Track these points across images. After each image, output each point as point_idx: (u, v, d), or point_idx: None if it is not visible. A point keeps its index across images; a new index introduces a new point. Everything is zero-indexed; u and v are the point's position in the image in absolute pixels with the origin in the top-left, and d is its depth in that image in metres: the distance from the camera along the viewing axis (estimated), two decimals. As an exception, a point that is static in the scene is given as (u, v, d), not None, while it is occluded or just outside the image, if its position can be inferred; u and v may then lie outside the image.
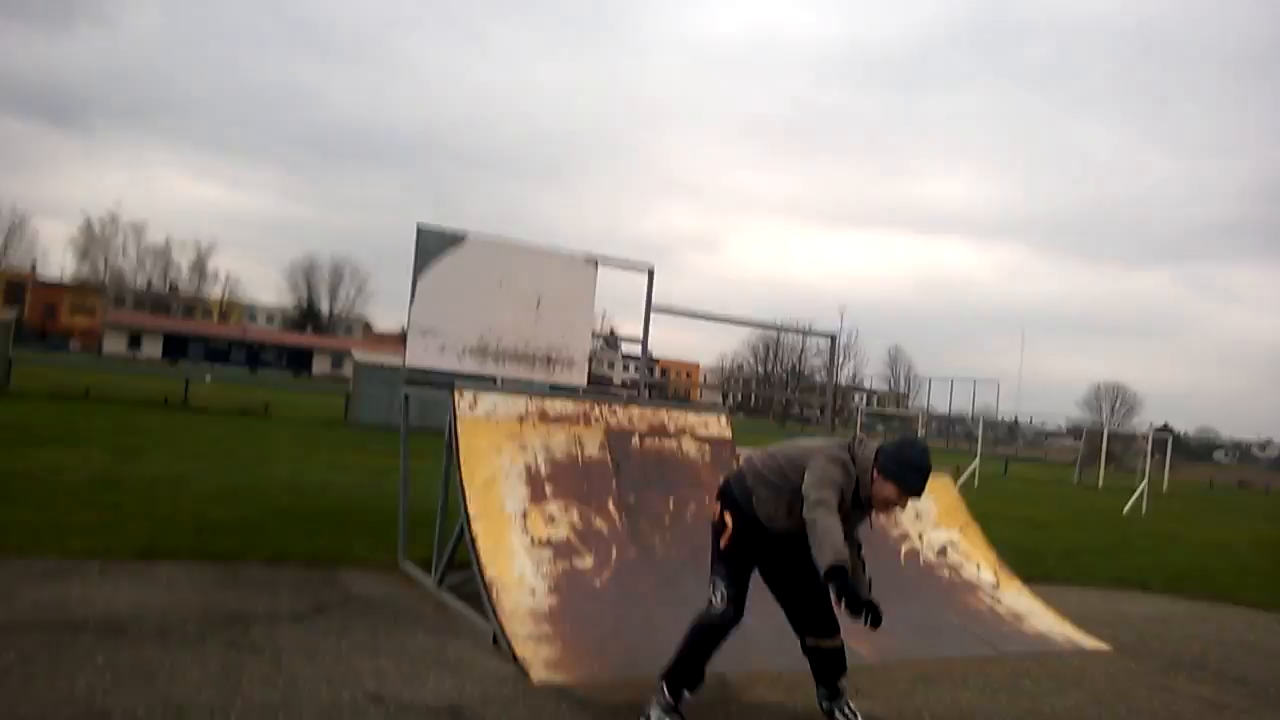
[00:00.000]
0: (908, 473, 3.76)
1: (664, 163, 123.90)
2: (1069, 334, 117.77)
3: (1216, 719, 5.11)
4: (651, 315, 7.98)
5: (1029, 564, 9.24)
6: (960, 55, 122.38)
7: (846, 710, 4.15)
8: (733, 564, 4.04)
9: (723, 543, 4.07)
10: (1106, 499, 23.79)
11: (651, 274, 7.91)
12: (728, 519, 4.06)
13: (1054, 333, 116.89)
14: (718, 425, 7.09)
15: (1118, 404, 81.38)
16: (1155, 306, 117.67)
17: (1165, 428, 51.57)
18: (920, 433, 27.50)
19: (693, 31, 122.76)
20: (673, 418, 6.94)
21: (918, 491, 3.82)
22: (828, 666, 4.14)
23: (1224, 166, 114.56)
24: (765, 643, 5.12)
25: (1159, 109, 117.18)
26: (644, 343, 8.07)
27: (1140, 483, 23.20)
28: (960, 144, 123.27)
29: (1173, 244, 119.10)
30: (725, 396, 65.06)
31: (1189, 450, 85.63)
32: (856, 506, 3.89)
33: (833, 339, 10.56)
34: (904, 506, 3.99)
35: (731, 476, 4.25)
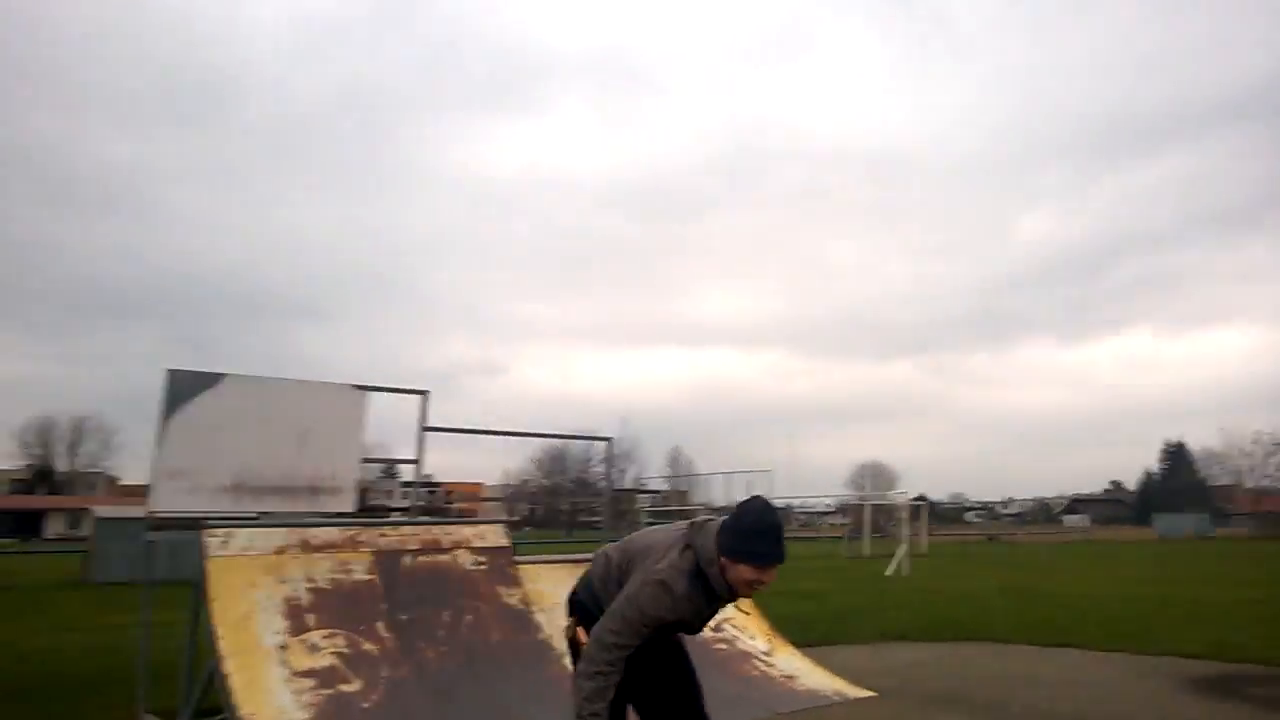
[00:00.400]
0: (753, 543, 3.14)
1: (447, 296, 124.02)
2: (831, 422, 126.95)
3: (966, 740, 5.62)
4: (427, 436, 8.05)
5: (803, 630, 9.76)
6: (719, 181, 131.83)
7: None
8: None
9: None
10: (872, 564, 25.43)
11: (425, 396, 8.01)
12: (580, 633, 3.34)
13: (818, 423, 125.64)
14: (494, 535, 7.13)
15: (877, 479, 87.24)
16: (902, 392, 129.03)
17: (920, 497, 55.95)
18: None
19: (467, 173, 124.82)
20: (447, 533, 6.92)
21: (773, 558, 3.15)
22: None
23: (946, 269, 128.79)
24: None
25: (894, 221, 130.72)
26: (417, 462, 8.07)
27: (899, 547, 25.01)
28: (724, 263, 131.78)
29: (912, 338, 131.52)
30: (510, 511, 64.34)
31: (943, 515, 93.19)
32: (716, 604, 3.32)
33: (608, 441, 10.92)
34: (772, 579, 3.19)
35: (579, 583, 3.56)
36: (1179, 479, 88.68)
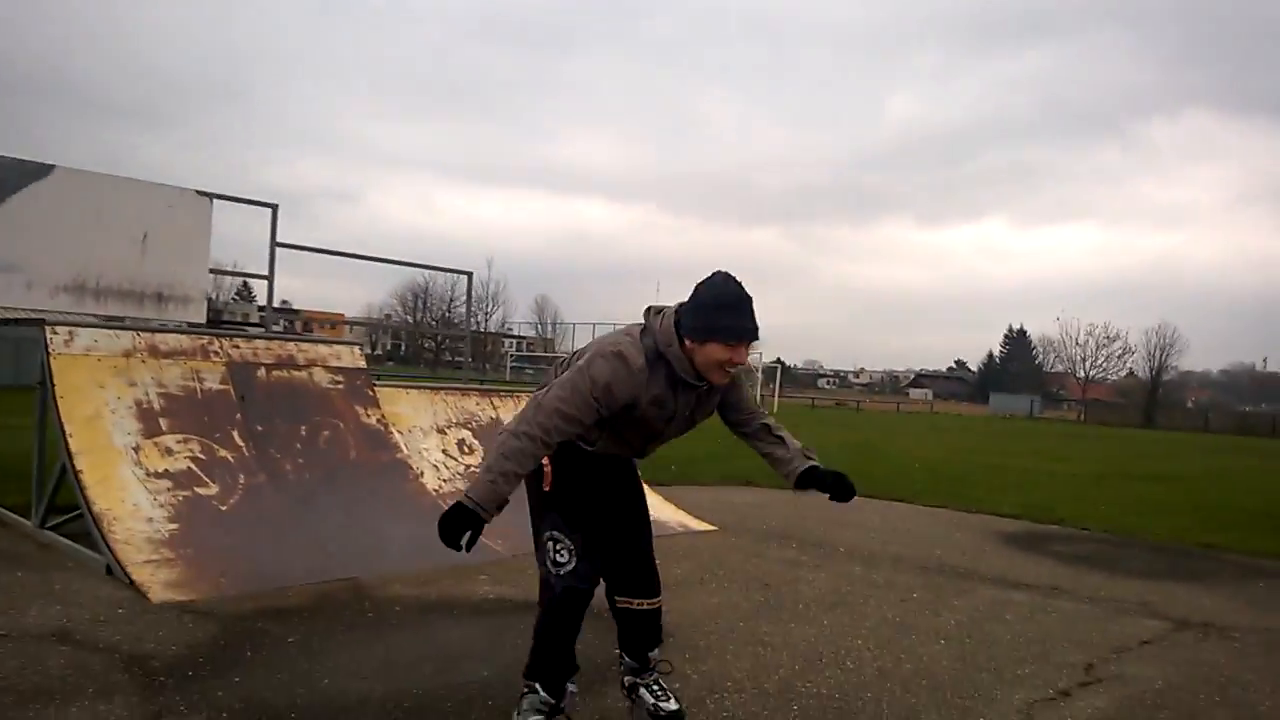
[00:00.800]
0: (719, 316, 2.79)
1: (295, 111, 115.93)
2: (697, 282, 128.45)
3: (794, 572, 6.05)
4: (280, 255, 7.76)
5: (656, 471, 10.15)
6: (591, 23, 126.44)
7: (655, 689, 3.27)
8: (564, 508, 3.02)
9: (545, 486, 3.03)
10: (728, 420, 26.45)
11: (275, 210, 7.67)
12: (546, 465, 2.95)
13: (685, 281, 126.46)
14: (350, 356, 7.02)
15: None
16: (768, 258, 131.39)
17: (777, 360, 58.14)
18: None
19: None
20: (302, 350, 6.77)
21: (744, 332, 2.81)
22: (638, 633, 3.25)
23: (816, 139, 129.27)
24: (402, 548, 5.29)
25: (768, 84, 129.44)
26: (269, 277, 7.80)
27: (754, 403, 26.03)
28: (595, 108, 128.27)
29: (780, 205, 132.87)
30: (373, 345, 63.37)
31: (797, 379, 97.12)
32: (686, 394, 2.92)
33: (469, 275, 10.76)
34: (744, 358, 2.85)
35: None
36: (1017, 363, 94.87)
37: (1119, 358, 72.19)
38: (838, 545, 7.07)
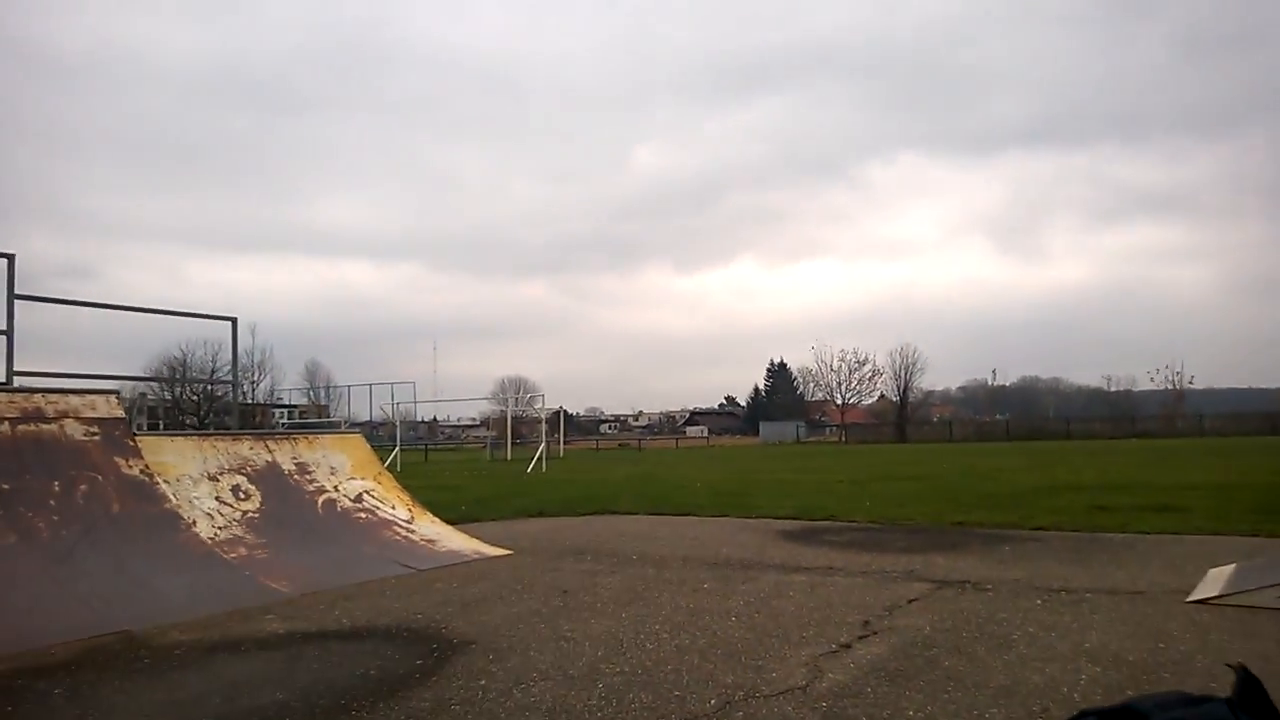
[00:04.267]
0: None
1: (12, 181, 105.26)
2: (474, 339, 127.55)
3: (591, 579, 6.13)
4: (20, 308, 7.10)
5: (445, 511, 9.95)
6: (330, 79, 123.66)
7: None
8: None
9: None
10: (514, 465, 26.37)
11: (12, 260, 7.04)
12: None
13: (461, 338, 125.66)
14: (106, 406, 6.49)
15: (521, 393, 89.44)
16: (540, 311, 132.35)
17: (560, 409, 58.59)
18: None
19: (30, 43, 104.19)
20: (50, 402, 6.20)
21: None
22: None
23: (572, 193, 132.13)
24: (178, 598, 4.95)
25: (520, 140, 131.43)
26: (9, 331, 7.09)
27: (540, 445, 26.12)
28: (347, 170, 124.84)
29: (545, 258, 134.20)
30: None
31: (580, 426, 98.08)
32: None
33: (233, 322, 10.19)
34: None
35: None
36: (782, 394, 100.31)
37: (870, 379, 77.83)
38: (630, 554, 7.23)
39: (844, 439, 67.62)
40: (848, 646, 4.25)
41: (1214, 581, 5.40)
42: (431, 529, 7.35)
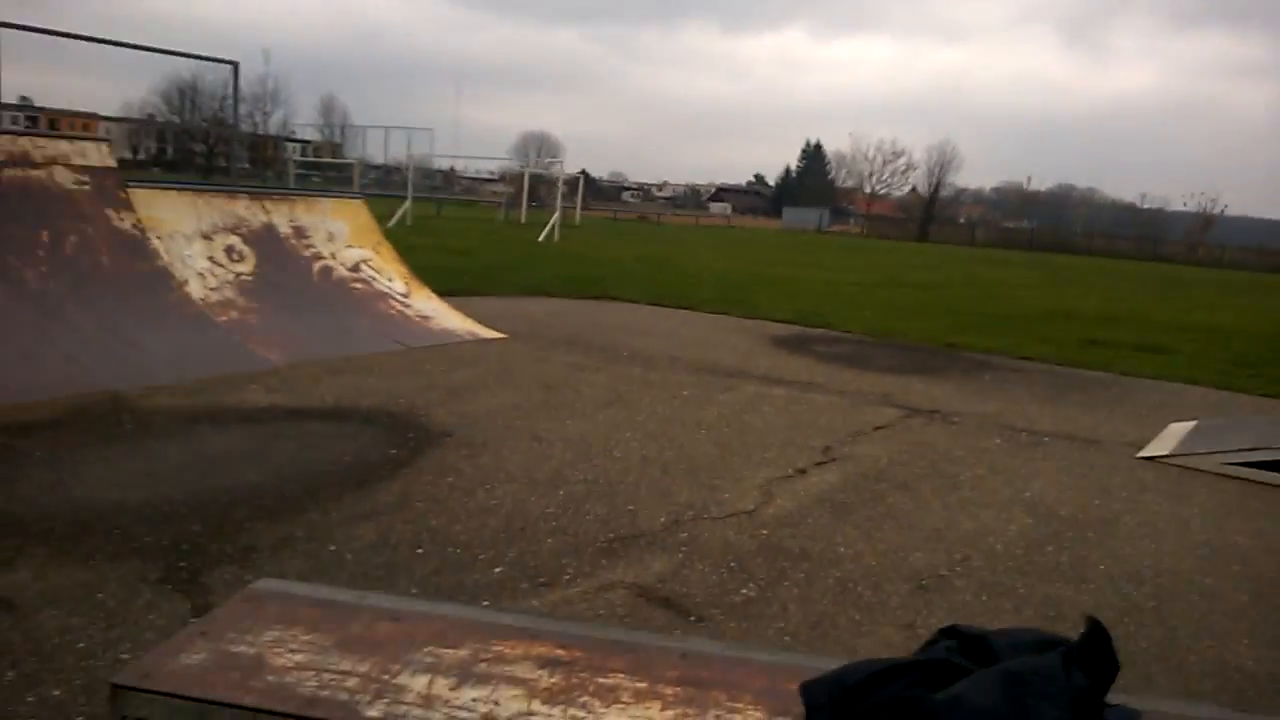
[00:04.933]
0: None
1: None
2: (500, 87, 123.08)
3: (577, 375, 6.31)
4: (4, 38, 6.87)
5: (448, 280, 10.09)
6: None
7: None
8: None
9: None
10: (527, 230, 26.31)
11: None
12: None
13: (487, 84, 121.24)
14: (97, 154, 6.42)
15: (542, 151, 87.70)
16: (571, 63, 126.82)
17: (582, 172, 57.64)
18: (356, 184, 27.28)
19: None
20: (39, 146, 6.13)
21: None
22: None
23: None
24: (166, 359, 5.12)
25: None
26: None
27: (554, 215, 25.95)
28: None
29: (581, 2, 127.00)
30: (135, 150, 57.60)
31: (601, 192, 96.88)
32: None
33: (234, 65, 9.89)
34: None
35: None
36: (813, 178, 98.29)
37: (903, 173, 76.21)
38: (621, 350, 7.38)
39: (865, 232, 66.91)
40: (803, 472, 4.44)
41: (1169, 438, 5.54)
42: (428, 305, 7.48)
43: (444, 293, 8.33)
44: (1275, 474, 4.80)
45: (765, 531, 3.59)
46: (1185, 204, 68.45)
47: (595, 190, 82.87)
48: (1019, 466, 4.84)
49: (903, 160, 74.99)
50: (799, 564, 3.29)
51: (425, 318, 7.23)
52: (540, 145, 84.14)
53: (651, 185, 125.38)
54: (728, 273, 16.94)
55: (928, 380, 7.15)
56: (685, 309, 10.60)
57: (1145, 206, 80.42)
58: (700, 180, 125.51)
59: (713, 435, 4.97)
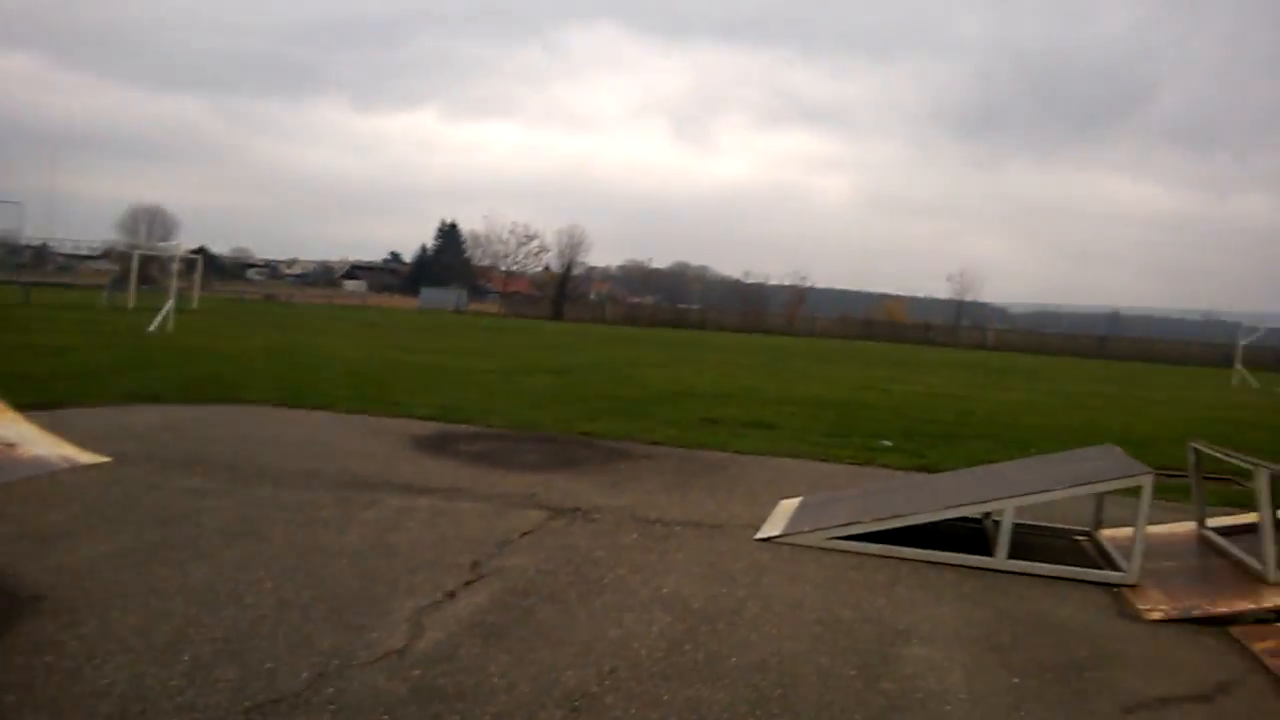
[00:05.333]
0: None
1: None
2: (105, 156, 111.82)
3: (198, 502, 5.78)
4: None
5: (36, 390, 8.91)
6: None
7: None
8: None
9: None
10: (136, 317, 23.89)
11: None
12: None
13: (89, 154, 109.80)
14: None
15: (154, 225, 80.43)
16: (191, 132, 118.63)
17: (200, 249, 53.49)
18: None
19: None
20: None
21: None
22: None
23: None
24: None
25: None
26: None
27: (168, 301, 23.79)
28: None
29: (197, 68, 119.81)
30: None
31: (224, 270, 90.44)
32: None
33: None
34: None
35: None
36: (449, 255, 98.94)
37: (535, 255, 79.25)
38: (249, 467, 6.90)
39: (504, 311, 68.51)
40: (453, 595, 4.42)
41: (780, 517, 6.23)
42: (11, 429, 6.51)
43: (30, 407, 7.33)
44: (869, 544, 5.55)
45: (418, 672, 3.52)
46: (783, 280, 78.09)
47: (217, 268, 77.20)
48: (655, 561, 5.18)
49: (535, 243, 78.13)
50: (454, 705, 3.26)
51: (9, 445, 6.29)
52: (152, 220, 77.27)
53: (280, 262, 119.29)
54: (365, 363, 16.52)
55: (569, 475, 7.44)
56: (321, 409, 10.16)
57: (749, 282, 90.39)
58: (333, 257, 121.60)
59: (356, 563, 4.79)
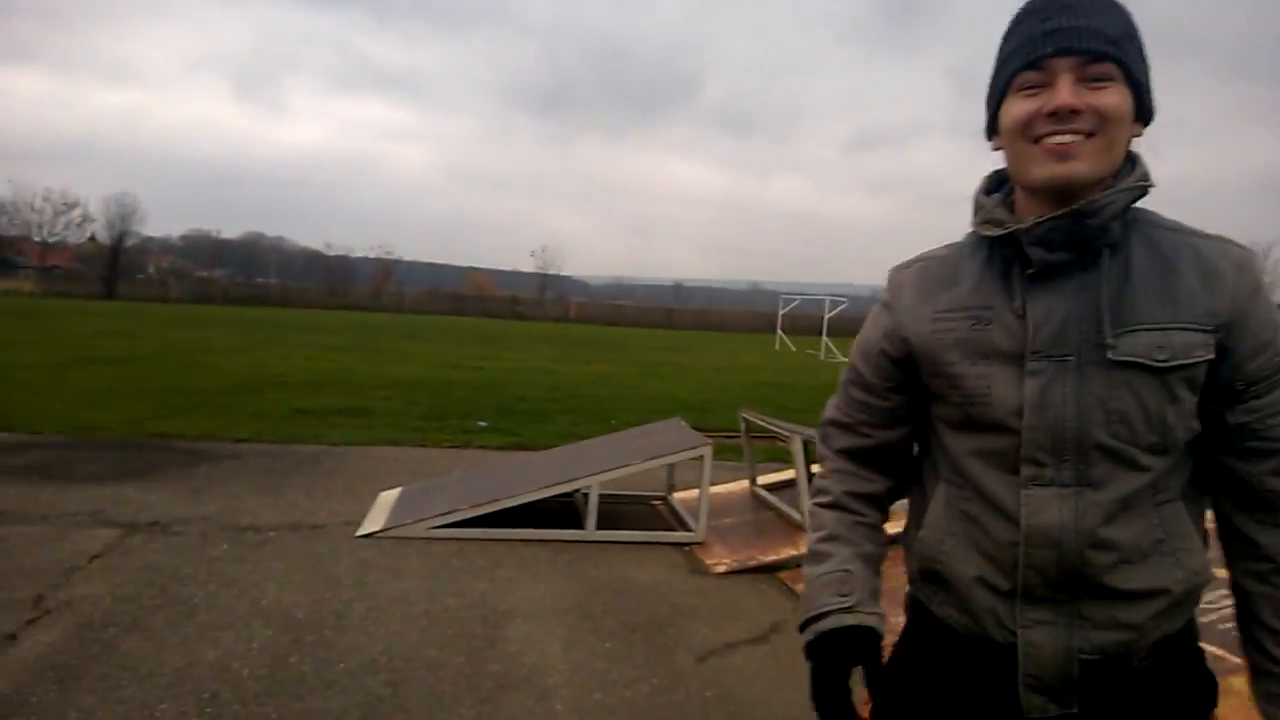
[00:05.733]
0: (1007, 41, 1.31)
1: None
2: None
3: None
4: None
5: None
6: None
7: None
8: None
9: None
10: None
11: None
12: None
13: None
14: None
15: None
16: None
17: None
18: None
19: None
20: None
21: (1050, 37, 1.23)
22: None
23: None
24: None
25: None
26: None
27: None
28: None
29: None
30: None
31: None
32: (1045, 290, 1.29)
33: None
34: (1072, 99, 1.21)
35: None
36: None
37: (78, 225, 69.34)
38: None
39: (42, 288, 59.16)
40: (14, 638, 3.93)
41: (380, 510, 6.27)
42: None
43: None
44: (469, 530, 5.79)
45: (-24, 734, 3.13)
46: (368, 252, 75.88)
47: None
48: (250, 573, 4.98)
49: (77, 212, 68.19)
50: (27, 766, 2.96)
51: None
52: None
53: None
54: None
55: (142, 485, 6.82)
56: None
57: (332, 254, 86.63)
58: None
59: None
